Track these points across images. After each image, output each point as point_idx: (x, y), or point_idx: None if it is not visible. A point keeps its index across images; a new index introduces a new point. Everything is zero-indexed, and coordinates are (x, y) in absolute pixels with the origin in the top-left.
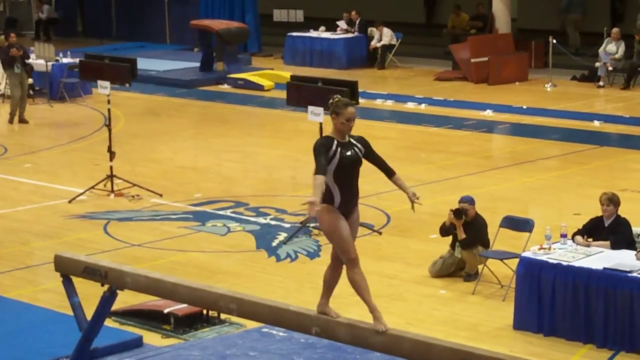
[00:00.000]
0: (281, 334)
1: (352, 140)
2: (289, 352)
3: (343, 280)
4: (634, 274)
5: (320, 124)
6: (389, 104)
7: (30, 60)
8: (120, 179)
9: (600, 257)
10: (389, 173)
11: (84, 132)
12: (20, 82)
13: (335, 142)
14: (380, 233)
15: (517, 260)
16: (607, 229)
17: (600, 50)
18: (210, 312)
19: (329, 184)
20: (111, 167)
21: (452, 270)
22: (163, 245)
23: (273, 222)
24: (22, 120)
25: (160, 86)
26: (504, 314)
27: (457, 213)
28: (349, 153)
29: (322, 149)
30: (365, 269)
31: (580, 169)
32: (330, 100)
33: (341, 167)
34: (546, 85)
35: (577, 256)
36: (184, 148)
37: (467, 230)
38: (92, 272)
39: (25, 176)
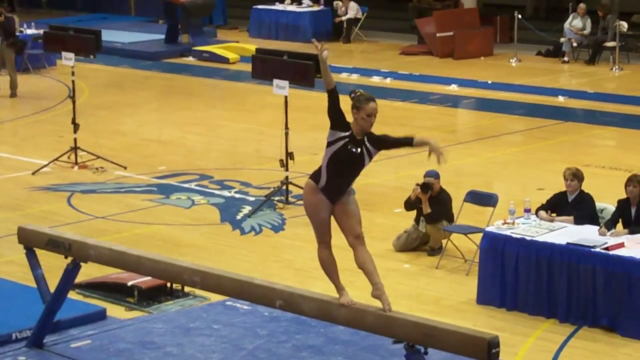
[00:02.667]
0: (245, 307)
1: (366, 139)
2: (253, 325)
3: (308, 255)
4: (597, 249)
5: (286, 97)
6: (354, 77)
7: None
8: (84, 151)
9: (564, 232)
10: (408, 142)
11: (48, 103)
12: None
13: (350, 132)
14: None
15: (480, 234)
16: (571, 204)
17: (566, 25)
18: (174, 285)
19: (322, 165)
20: (75, 139)
21: (416, 244)
22: (127, 217)
23: (237, 195)
24: None
25: (125, 58)
26: (467, 289)
27: (425, 187)
28: (354, 149)
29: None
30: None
31: (545, 144)
32: (352, 94)
33: (337, 158)
34: (511, 60)
35: (541, 231)
36: (148, 120)
37: (432, 204)
38: (56, 245)
39: None
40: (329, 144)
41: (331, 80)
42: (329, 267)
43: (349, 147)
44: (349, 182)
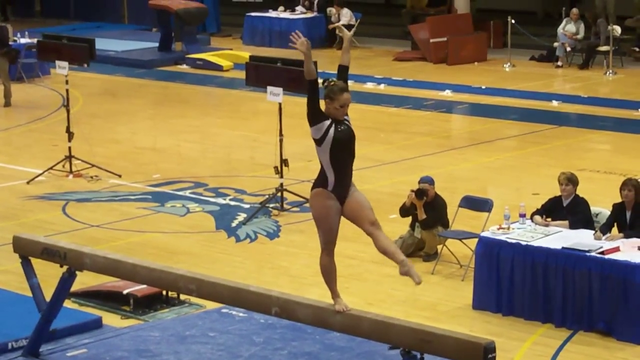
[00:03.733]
0: (241, 314)
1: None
2: (248, 333)
3: (303, 262)
4: (592, 254)
5: (280, 104)
6: (348, 84)
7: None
8: (78, 159)
9: (559, 237)
10: (342, 69)
11: (42, 112)
12: None
13: (330, 119)
14: None
15: (476, 240)
16: (566, 208)
17: (559, 30)
18: (169, 293)
19: (324, 165)
20: (70, 148)
21: (411, 250)
22: (122, 226)
23: (232, 203)
24: None
25: (119, 66)
26: (463, 294)
27: (419, 193)
28: (342, 127)
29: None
30: None
31: (539, 148)
32: (325, 84)
33: (337, 144)
34: (505, 66)
35: (536, 236)
36: (142, 128)
37: (427, 210)
38: (51, 253)
39: None
40: (321, 140)
41: (314, 70)
42: (330, 273)
43: (339, 128)
44: (352, 164)
